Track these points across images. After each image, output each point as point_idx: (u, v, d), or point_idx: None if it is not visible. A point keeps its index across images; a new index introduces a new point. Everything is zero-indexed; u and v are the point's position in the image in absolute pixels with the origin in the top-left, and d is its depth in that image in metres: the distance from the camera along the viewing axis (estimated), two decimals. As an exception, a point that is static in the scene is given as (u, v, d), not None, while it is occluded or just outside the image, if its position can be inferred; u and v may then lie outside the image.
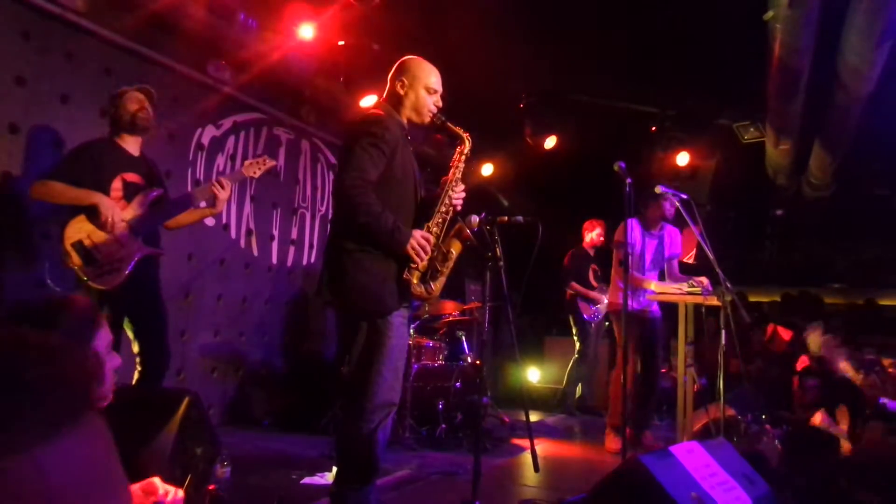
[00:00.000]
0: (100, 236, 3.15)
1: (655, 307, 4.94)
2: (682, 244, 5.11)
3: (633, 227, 4.86)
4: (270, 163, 3.64)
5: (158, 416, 2.45)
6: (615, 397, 4.90)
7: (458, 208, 2.89)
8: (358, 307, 2.70)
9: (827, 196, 8.14)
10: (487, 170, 7.45)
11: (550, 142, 6.99)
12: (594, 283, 6.69)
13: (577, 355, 6.75)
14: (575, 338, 6.76)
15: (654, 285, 4.71)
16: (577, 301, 6.64)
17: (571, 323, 6.77)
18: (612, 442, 4.83)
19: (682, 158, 7.25)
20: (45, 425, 0.53)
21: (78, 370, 0.58)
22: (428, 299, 2.82)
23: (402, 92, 2.84)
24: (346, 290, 2.69)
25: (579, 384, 6.93)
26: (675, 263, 5.04)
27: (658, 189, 4.45)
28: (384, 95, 2.93)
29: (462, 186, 2.90)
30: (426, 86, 2.84)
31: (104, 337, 1.49)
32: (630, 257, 4.76)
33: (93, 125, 3.89)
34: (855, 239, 9.75)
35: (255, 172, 3.58)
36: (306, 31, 4.75)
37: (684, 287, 4.54)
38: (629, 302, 4.86)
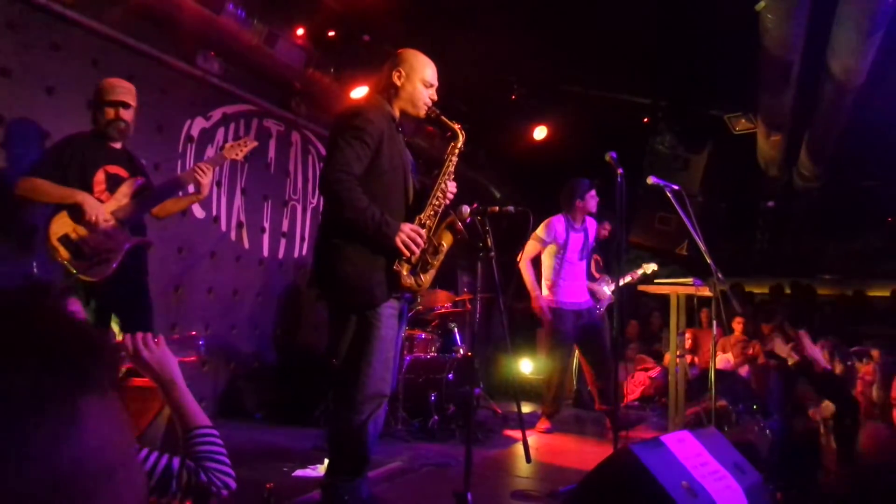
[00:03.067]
0: (86, 230, 3.12)
1: (587, 299, 5.27)
2: (597, 231, 5.51)
3: (560, 223, 5.15)
4: (252, 143, 3.60)
5: (148, 406, 2.43)
6: (546, 387, 5.30)
7: (449, 202, 2.88)
8: (346, 299, 2.70)
9: (817, 187, 8.17)
10: (541, 133, 7.16)
11: (541, 132, 6.96)
12: (596, 275, 6.64)
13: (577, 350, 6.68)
14: None
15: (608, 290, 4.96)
16: None
17: None
18: (542, 424, 5.20)
19: (671, 149, 7.25)
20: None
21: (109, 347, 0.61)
22: (417, 291, 2.81)
23: (398, 83, 2.83)
24: (334, 283, 2.69)
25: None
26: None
27: (650, 180, 4.45)
28: (379, 85, 2.91)
29: (454, 184, 2.90)
30: (423, 78, 2.84)
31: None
32: (558, 251, 5.12)
33: (79, 117, 3.84)
34: (845, 230, 9.79)
35: (237, 154, 3.54)
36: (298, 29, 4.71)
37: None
38: (562, 297, 5.13)
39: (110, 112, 3.33)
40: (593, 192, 5.16)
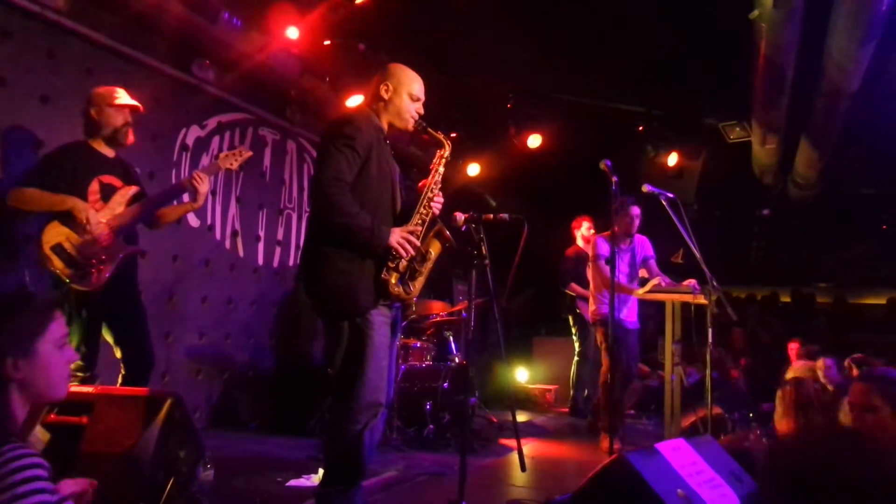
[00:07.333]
0: (79, 238, 3.10)
1: (633, 319, 5.08)
2: (652, 246, 5.19)
3: (603, 244, 5.00)
4: (247, 153, 3.58)
5: (141, 417, 2.41)
6: (604, 400, 4.96)
7: (437, 213, 2.89)
8: (335, 308, 2.70)
9: (812, 195, 8.19)
10: (473, 170, 7.42)
11: (535, 140, 6.99)
12: None
13: (577, 357, 6.63)
14: (575, 338, 6.68)
15: (639, 292, 4.76)
16: (576, 302, 6.58)
17: (571, 323, 6.72)
18: (606, 442, 4.85)
19: (670, 159, 7.27)
20: None
21: None
22: (407, 300, 2.80)
23: (386, 96, 2.87)
24: (322, 291, 2.69)
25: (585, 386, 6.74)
26: (652, 263, 5.12)
27: (645, 188, 4.45)
28: (367, 98, 2.94)
29: (441, 196, 2.91)
30: (409, 92, 2.88)
31: (56, 330, 1.57)
32: (604, 271, 4.93)
33: (73, 126, 3.81)
34: (841, 238, 9.82)
35: (231, 164, 3.51)
36: (292, 31, 4.72)
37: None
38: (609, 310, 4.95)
39: (121, 117, 3.32)
40: (634, 209, 4.96)
